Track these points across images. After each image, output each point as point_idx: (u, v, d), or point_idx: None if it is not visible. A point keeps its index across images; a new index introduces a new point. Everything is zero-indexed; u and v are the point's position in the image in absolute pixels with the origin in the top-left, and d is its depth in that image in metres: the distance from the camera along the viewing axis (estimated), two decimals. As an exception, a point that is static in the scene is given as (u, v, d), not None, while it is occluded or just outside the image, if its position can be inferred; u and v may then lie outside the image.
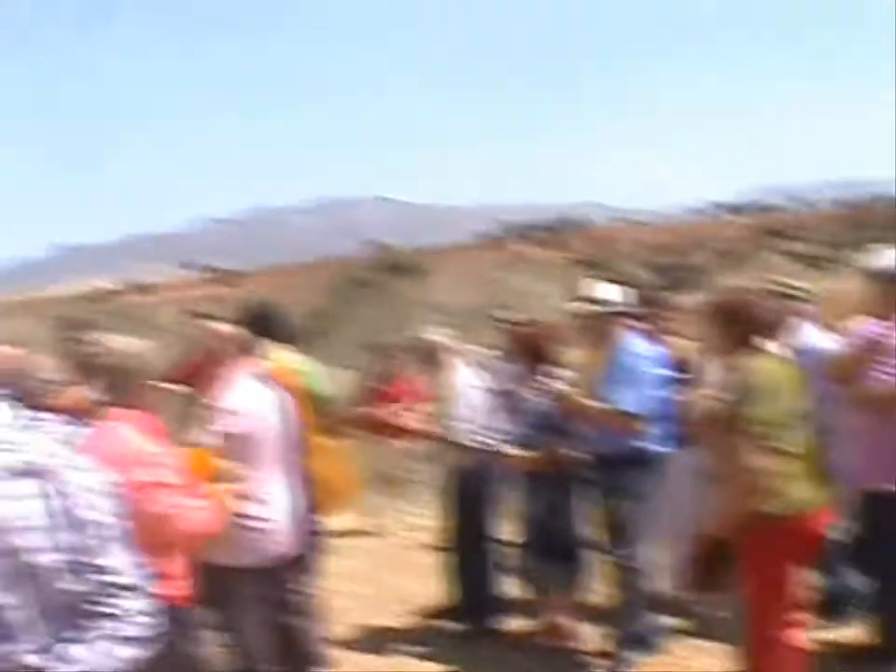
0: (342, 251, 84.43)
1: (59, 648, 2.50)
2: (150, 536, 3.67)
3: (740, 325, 5.15)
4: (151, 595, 2.60)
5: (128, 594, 2.55)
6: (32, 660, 2.48)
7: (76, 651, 2.49)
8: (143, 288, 70.63)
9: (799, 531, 5.07)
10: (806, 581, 5.33)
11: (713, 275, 53.19)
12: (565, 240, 66.54)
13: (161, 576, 3.78)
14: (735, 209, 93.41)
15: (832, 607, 6.63)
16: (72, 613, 2.52)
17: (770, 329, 5.26)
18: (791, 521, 5.00)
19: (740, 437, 4.96)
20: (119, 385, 4.06)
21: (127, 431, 4.01)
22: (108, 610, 2.53)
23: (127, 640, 2.54)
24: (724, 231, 72.01)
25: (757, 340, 5.14)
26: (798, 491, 5.04)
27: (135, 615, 2.56)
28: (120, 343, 4.18)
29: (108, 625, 2.53)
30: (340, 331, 61.96)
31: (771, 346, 5.28)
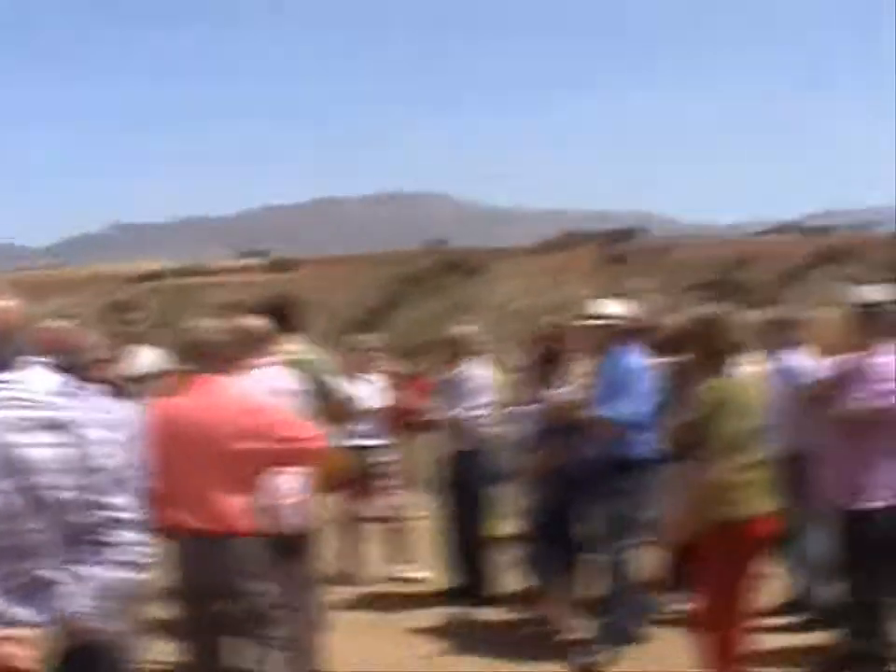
0: (402, 246, 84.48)
1: (70, 567, 3.04)
2: (285, 462, 5.06)
3: (710, 345, 5.59)
4: (149, 530, 3.11)
5: (128, 527, 3.09)
6: (48, 574, 3.02)
7: (83, 570, 3.04)
8: (198, 272, 71.26)
9: (750, 537, 5.50)
10: (760, 584, 5.76)
11: (771, 294, 52.59)
12: (623, 250, 65.93)
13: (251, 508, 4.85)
14: (796, 230, 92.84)
15: (803, 612, 7.17)
16: (82, 540, 3.06)
17: (739, 351, 5.67)
18: (742, 527, 5.43)
19: (704, 449, 5.42)
20: (209, 357, 4.98)
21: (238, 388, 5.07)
22: (111, 540, 3.07)
23: (124, 566, 3.08)
24: (783, 251, 71.21)
25: (728, 360, 5.56)
26: (752, 500, 5.47)
27: (133, 545, 3.10)
28: (209, 324, 5.15)
29: (110, 552, 3.07)
30: (393, 326, 62.17)
31: (744, 366, 5.72)
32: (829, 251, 70.51)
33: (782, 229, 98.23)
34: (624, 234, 76.96)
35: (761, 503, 5.55)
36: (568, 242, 73.19)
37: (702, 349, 5.65)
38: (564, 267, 64.47)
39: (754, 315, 7.63)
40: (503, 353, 8.28)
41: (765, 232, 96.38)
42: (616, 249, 66.51)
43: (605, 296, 7.43)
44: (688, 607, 6.12)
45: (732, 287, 54.52)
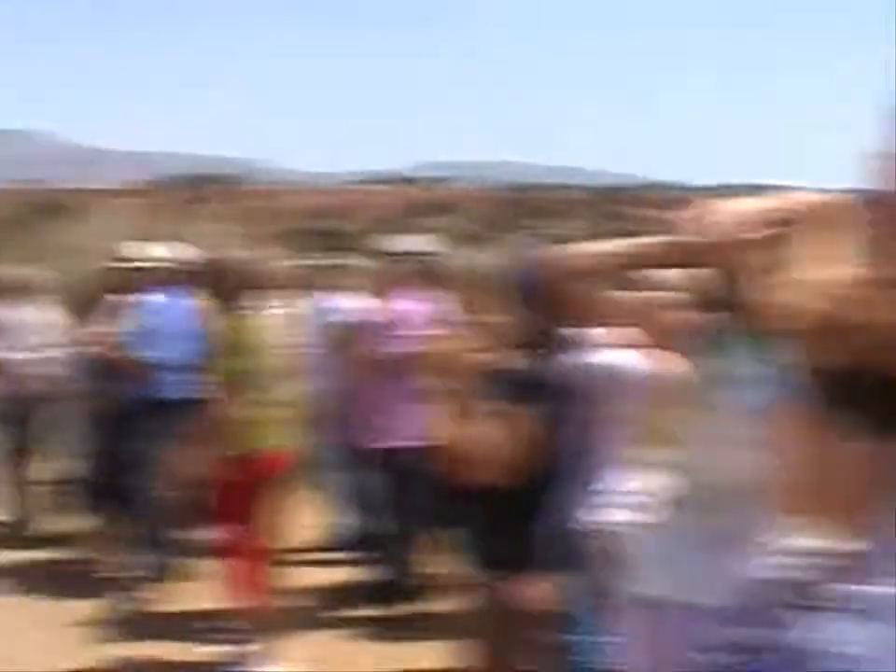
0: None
1: None
2: None
3: (226, 285, 5.77)
4: None
5: None
6: None
7: None
8: None
9: (267, 471, 5.72)
10: (284, 518, 5.97)
11: (367, 241, 53.78)
12: (217, 194, 65.26)
13: None
14: (397, 180, 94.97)
15: (339, 547, 7.56)
16: None
17: (258, 292, 5.83)
18: (259, 462, 5.67)
19: (222, 386, 5.66)
20: None
21: None
22: None
23: None
24: (384, 200, 72.47)
25: (244, 300, 5.74)
26: (269, 436, 5.69)
27: None
28: None
29: None
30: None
31: (272, 307, 5.91)
32: (430, 202, 71.95)
33: (385, 178, 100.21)
34: (219, 179, 76.64)
35: (277, 439, 5.74)
36: (163, 184, 72.07)
37: (219, 289, 5.79)
38: (155, 210, 63.42)
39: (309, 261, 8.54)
40: (74, 295, 8.10)
41: (368, 181, 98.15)
42: (207, 193, 65.80)
43: (184, 239, 7.51)
44: (215, 540, 6.21)
45: (326, 235, 55.03)
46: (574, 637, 3.94)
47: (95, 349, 6.98)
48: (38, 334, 8.11)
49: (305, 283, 7.72)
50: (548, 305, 3.67)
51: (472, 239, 59.83)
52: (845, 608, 1.63)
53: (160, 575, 6.98)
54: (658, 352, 3.17)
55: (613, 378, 3.86)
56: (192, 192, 62.83)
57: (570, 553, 3.88)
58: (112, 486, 6.98)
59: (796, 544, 1.76)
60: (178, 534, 7.17)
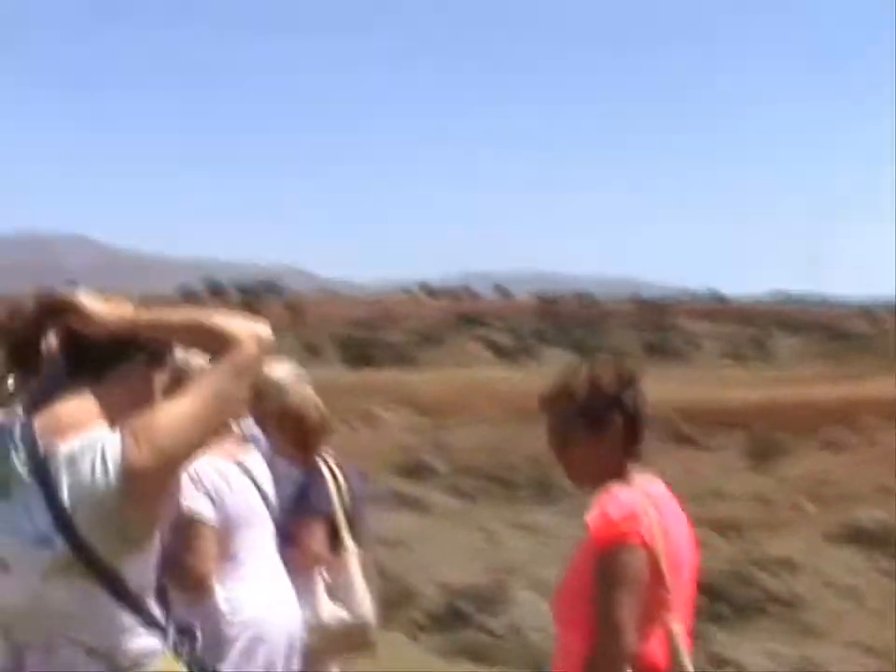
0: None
1: None
2: None
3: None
4: None
5: None
6: None
7: None
8: None
9: None
10: None
11: (410, 354, 55.91)
12: (263, 304, 63.92)
13: None
14: (436, 292, 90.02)
15: None
16: None
17: None
18: None
19: None
20: None
21: None
22: None
23: None
24: (422, 312, 71.58)
25: None
26: None
27: None
28: None
29: None
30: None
31: None
32: (467, 313, 70.18)
33: (422, 289, 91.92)
34: (268, 287, 74.53)
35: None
36: (211, 292, 70.62)
37: None
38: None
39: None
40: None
41: (404, 292, 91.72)
42: (258, 302, 63.13)
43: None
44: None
45: (366, 346, 56.28)
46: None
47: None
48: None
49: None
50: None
51: (510, 350, 57.31)
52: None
53: None
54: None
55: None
56: (243, 300, 62.13)
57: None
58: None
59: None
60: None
